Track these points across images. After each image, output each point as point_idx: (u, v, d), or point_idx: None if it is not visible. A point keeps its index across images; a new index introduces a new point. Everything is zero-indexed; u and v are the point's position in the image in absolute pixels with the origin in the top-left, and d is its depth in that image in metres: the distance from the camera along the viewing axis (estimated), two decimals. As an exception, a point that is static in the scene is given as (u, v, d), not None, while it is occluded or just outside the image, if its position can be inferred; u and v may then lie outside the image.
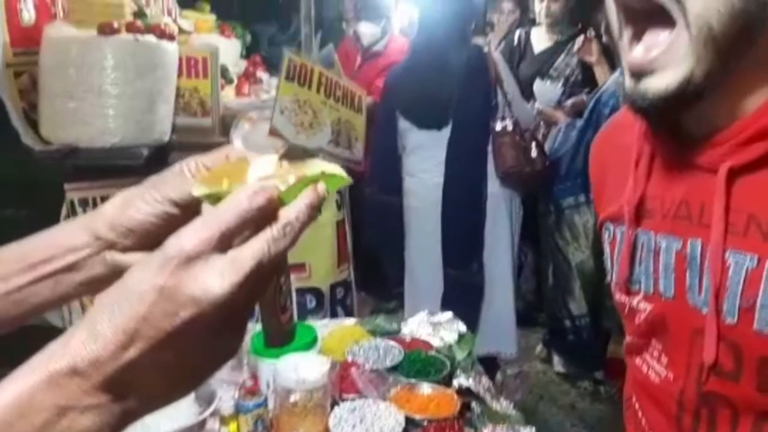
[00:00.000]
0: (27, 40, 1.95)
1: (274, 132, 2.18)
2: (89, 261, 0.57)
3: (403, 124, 2.92)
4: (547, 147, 3.02)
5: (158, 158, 2.12)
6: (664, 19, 0.70)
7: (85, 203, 2.09)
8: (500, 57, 2.98)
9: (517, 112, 2.88)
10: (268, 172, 0.49)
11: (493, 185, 2.89)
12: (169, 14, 2.71)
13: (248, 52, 3.27)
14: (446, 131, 2.83)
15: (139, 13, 2.03)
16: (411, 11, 4.10)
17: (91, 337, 0.41)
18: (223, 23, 3.09)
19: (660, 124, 0.79)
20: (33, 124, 1.97)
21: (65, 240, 0.58)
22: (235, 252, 0.43)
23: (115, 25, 1.87)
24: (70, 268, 0.57)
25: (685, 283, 0.77)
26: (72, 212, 2.08)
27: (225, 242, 0.43)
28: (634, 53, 0.73)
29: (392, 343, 1.60)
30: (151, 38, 1.94)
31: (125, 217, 0.56)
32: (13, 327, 0.59)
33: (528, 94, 3.29)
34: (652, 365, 0.83)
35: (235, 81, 2.74)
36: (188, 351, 0.42)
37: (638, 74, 0.72)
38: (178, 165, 0.58)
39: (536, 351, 3.48)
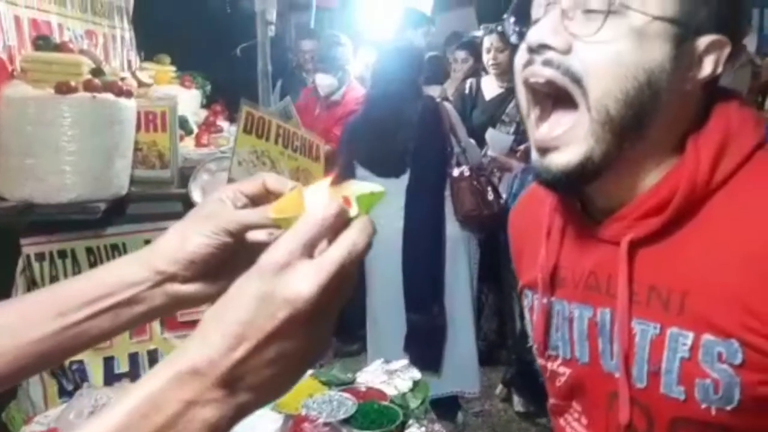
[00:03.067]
0: (-17, 99, 1.97)
1: (231, 183, 2.21)
2: (149, 294, 0.63)
3: (362, 172, 2.98)
4: (502, 192, 3.10)
5: (116, 211, 2.14)
6: (568, 102, 0.77)
7: (41, 257, 2.08)
8: (451, 106, 3.09)
9: (468, 155, 2.99)
10: (320, 196, 0.54)
11: (451, 228, 2.97)
12: (129, 67, 2.74)
13: (208, 102, 3.32)
14: (404, 178, 2.90)
15: (97, 71, 2.06)
16: (367, 58, 4.20)
17: (205, 344, 0.48)
18: (183, 74, 3.14)
19: (567, 196, 0.85)
20: (-12, 181, 1.97)
21: (124, 275, 0.63)
22: (319, 258, 0.49)
23: (73, 83, 1.90)
24: (130, 301, 0.62)
25: (598, 350, 0.82)
26: (28, 266, 2.07)
27: (309, 250, 0.49)
28: (540, 130, 0.80)
29: (346, 395, 1.62)
30: (108, 96, 1.97)
31: (184, 251, 0.61)
32: (71, 357, 0.63)
33: (481, 140, 3.38)
34: (573, 426, 0.88)
35: (195, 131, 2.78)
36: (288, 347, 0.49)
37: (543, 150, 0.79)
38: (217, 194, 0.64)
39: (496, 391, 3.50)
